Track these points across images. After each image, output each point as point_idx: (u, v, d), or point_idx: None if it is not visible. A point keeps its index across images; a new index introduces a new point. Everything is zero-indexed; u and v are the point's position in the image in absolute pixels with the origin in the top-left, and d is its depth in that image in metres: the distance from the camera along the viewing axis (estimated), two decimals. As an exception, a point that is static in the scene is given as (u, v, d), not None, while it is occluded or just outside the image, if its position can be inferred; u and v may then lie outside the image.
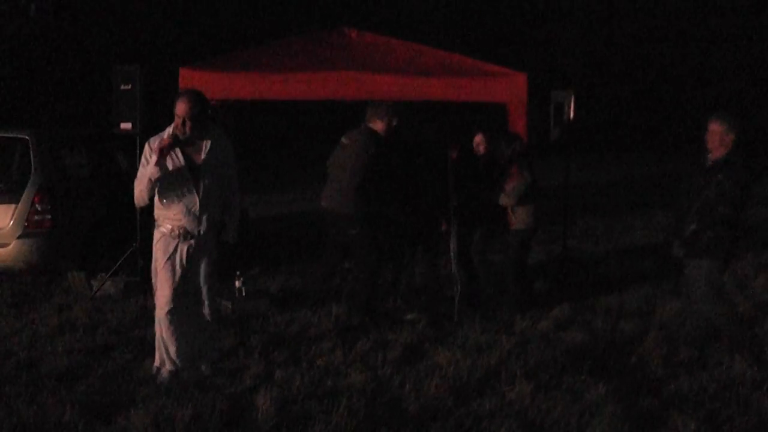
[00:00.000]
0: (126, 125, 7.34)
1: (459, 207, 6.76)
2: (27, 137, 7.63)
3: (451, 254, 6.77)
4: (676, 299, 7.04)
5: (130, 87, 7.31)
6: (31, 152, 7.54)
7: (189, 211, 5.05)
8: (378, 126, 6.61)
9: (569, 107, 7.94)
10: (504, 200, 6.82)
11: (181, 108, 4.95)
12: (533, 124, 7.75)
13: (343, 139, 6.68)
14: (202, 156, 5.06)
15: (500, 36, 28.35)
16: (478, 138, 7.10)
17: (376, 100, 6.77)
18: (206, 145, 5.07)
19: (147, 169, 4.93)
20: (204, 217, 5.09)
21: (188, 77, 7.59)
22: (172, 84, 7.53)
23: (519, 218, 6.86)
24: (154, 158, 4.90)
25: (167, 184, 4.99)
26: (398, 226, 7.02)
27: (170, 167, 4.96)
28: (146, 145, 5.00)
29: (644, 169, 22.20)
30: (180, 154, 5.00)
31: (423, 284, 7.25)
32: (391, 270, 7.22)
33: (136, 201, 5.12)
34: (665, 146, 27.79)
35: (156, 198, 5.11)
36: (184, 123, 4.95)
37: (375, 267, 6.61)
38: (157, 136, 5.03)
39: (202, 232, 5.10)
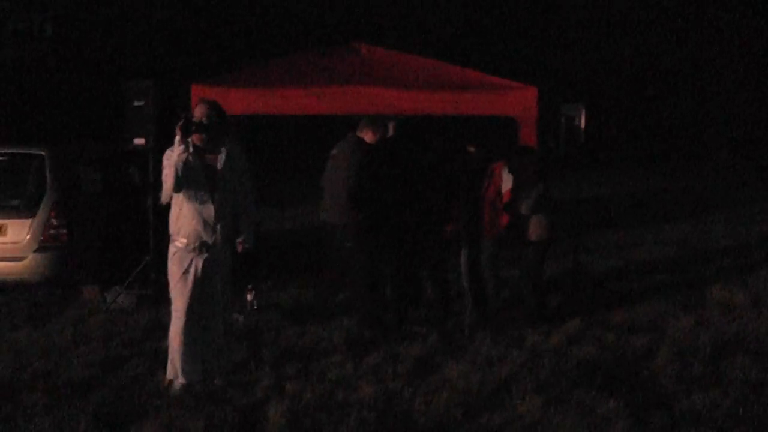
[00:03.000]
0: (139, 140, 7.42)
1: (469, 221, 6.77)
2: (43, 153, 7.74)
3: (462, 268, 6.77)
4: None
5: (143, 103, 7.39)
6: (47, 168, 7.65)
7: (205, 221, 5.13)
8: (368, 136, 6.63)
9: (580, 120, 7.94)
10: (521, 209, 6.86)
11: (199, 111, 5.15)
12: (544, 137, 7.77)
13: (333, 151, 6.73)
14: (219, 166, 5.18)
15: (511, 50, 28.38)
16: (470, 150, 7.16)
17: (375, 115, 6.81)
18: (222, 155, 5.19)
19: (171, 161, 4.98)
20: (218, 227, 5.17)
21: (200, 93, 7.66)
22: (184, 100, 7.63)
23: (532, 230, 6.89)
24: (177, 150, 4.96)
25: (185, 192, 5.08)
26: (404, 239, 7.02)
27: (190, 161, 5.01)
28: (166, 152, 5.08)
29: (656, 182, 22.12)
30: (198, 162, 5.09)
31: (434, 298, 7.25)
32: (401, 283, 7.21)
33: (163, 198, 5.21)
34: (676, 159, 27.70)
35: (171, 212, 5.20)
36: (201, 122, 5.08)
37: (372, 279, 6.62)
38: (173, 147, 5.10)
39: (217, 241, 5.17)
